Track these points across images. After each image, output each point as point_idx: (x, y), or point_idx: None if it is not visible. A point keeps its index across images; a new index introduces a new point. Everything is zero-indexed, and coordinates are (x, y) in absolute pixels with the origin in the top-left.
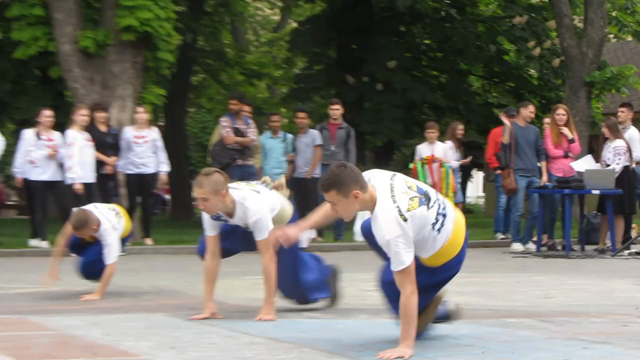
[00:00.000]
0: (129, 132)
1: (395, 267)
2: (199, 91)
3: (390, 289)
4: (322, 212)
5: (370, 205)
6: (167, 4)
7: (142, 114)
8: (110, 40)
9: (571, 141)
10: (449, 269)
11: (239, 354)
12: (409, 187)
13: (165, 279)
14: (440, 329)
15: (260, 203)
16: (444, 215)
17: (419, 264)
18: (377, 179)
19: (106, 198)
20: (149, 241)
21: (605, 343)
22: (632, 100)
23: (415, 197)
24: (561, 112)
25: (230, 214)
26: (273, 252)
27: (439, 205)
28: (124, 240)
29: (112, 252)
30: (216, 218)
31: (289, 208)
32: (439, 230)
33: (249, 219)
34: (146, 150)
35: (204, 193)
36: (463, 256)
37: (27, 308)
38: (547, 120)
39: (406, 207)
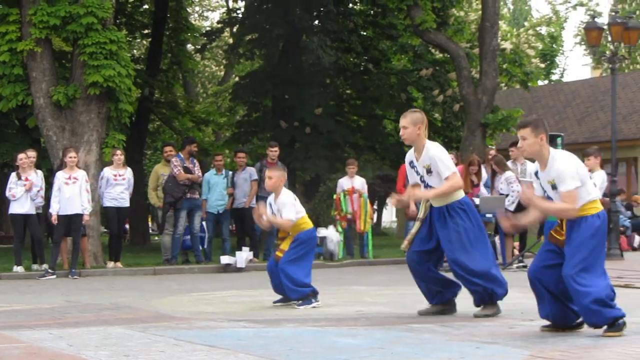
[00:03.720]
0: (108, 172)
1: (566, 187)
2: (155, 136)
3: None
4: None
5: (544, 155)
6: (127, 63)
7: (120, 156)
8: (78, 94)
9: (475, 186)
10: None
11: None
12: None
13: (123, 297)
14: (355, 335)
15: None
16: None
17: None
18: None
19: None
20: (110, 264)
21: (495, 343)
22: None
23: None
24: (474, 165)
25: (420, 152)
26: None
27: None
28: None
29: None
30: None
31: None
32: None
33: (431, 159)
34: (123, 187)
35: (405, 123)
36: None
37: (2, 324)
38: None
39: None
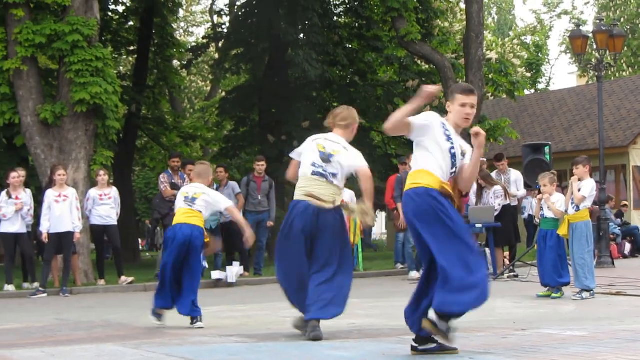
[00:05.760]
0: (93, 192)
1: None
2: (143, 152)
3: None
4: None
5: None
6: (114, 79)
7: (104, 176)
8: (65, 112)
9: (464, 196)
10: None
11: None
12: None
13: (114, 314)
14: (347, 347)
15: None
16: None
17: None
18: None
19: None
20: (102, 282)
21: (488, 353)
22: (507, 147)
23: None
24: None
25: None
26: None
27: None
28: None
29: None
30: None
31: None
32: None
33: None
34: (109, 206)
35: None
36: None
37: None
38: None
39: None
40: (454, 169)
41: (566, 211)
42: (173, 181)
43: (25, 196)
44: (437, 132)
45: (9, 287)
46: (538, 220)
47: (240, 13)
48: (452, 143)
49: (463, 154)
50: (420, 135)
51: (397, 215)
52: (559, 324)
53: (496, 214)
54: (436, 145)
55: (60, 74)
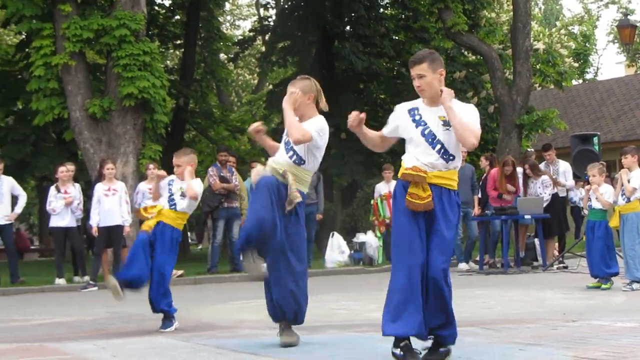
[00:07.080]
0: (143, 186)
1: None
2: (191, 146)
3: None
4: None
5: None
6: (161, 74)
7: (154, 170)
8: (114, 106)
9: (511, 191)
10: None
11: None
12: None
13: None
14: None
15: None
16: None
17: None
18: None
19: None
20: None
21: (538, 345)
22: (556, 138)
23: None
24: (509, 165)
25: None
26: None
27: None
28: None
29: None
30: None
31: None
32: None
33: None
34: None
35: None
36: None
37: (46, 336)
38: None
39: None
40: (435, 148)
41: (615, 202)
42: (222, 174)
43: (74, 190)
44: (403, 124)
45: (60, 281)
46: (586, 211)
47: (286, 6)
48: (423, 124)
49: (447, 124)
50: (399, 135)
51: None
52: (609, 315)
53: (546, 204)
54: (408, 136)
55: (108, 68)
